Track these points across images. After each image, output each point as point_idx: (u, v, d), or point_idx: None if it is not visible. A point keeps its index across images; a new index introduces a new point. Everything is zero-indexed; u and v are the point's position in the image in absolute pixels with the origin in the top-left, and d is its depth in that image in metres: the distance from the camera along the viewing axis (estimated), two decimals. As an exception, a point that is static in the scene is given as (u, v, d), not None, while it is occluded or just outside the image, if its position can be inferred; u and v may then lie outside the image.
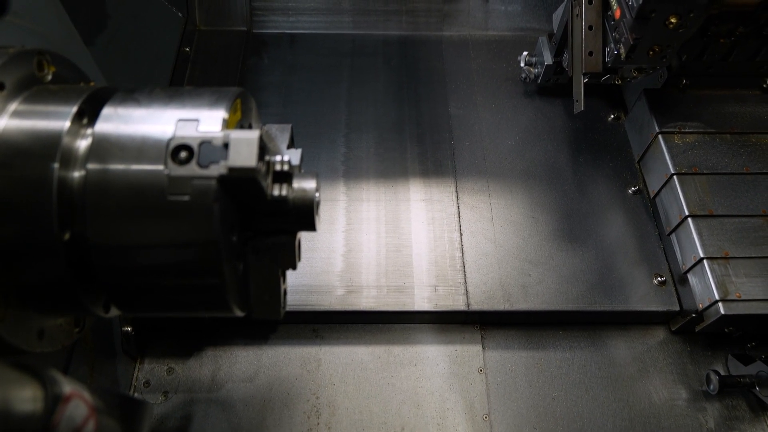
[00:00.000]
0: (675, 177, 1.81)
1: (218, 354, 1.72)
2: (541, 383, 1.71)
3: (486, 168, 2.04)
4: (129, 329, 1.60)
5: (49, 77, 0.89)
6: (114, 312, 0.91)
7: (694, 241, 1.71)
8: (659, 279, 1.80)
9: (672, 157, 1.84)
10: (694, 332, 1.74)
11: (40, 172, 0.76)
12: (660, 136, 1.89)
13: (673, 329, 1.80)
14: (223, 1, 2.36)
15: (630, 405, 1.68)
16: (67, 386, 0.74)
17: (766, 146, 1.86)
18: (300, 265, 0.96)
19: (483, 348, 1.76)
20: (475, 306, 1.74)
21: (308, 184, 0.89)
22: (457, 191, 1.98)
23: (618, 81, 1.87)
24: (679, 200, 1.78)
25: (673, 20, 1.51)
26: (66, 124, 0.79)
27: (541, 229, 1.90)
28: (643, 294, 1.78)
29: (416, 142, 2.10)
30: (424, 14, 2.43)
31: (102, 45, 1.67)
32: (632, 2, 1.53)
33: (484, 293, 1.77)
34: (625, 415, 1.67)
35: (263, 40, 2.37)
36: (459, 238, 1.87)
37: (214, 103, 0.81)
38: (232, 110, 0.82)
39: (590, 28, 1.76)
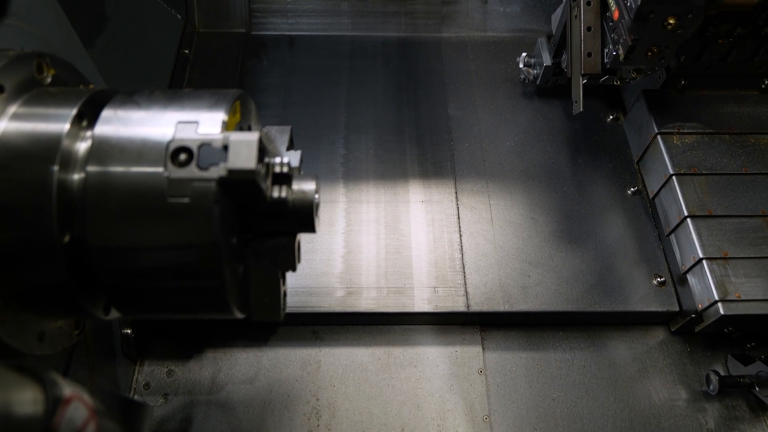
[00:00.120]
0: (674, 177, 1.82)
1: (218, 356, 1.72)
2: (541, 384, 1.71)
3: (485, 169, 2.04)
4: (129, 331, 1.60)
5: (49, 80, 0.89)
6: (114, 314, 0.91)
7: (693, 242, 1.71)
8: (659, 279, 1.81)
9: (671, 158, 1.84)
10: (694, 332, 1.74)
11: (40, 174, 0.76)
12: (659, 136, 1.89)
13: (672, 330, 1.80)
14: (222, 3, 2.36)
15: (630, 405, 1.68)
16: (68, 388, 0.74)
17: (764, 146, 1.87)
18: (300, 266, 0.96)
19: (483, 349, 1.76)
20: (475, 307, 1.74)
21: (308, 186, 0.89)
22: (456, 192, 1.98)
23: (617, 82, 1.87)
24: (678, 201, 1.78)
25: (671, 21, 1.51)
26: (66, 126, 0.79)
27: (541, 230, 1.90)
28: (643, 294, 1.78)
29: (415, 144, 2.10)
30: (423, 16, 2.43)
31: (101, 47, 1.67)
32: (631, 3, 1.53)
33: (484, 294, 1.77)
34: (625, 416, 1.67)
35: (262, 42, 2.37)
36: (458, 240, 1.87)
37: (213, 105, 0.81)
38: (231, 112, 0.82)
39: (589, 29, 1.76)
